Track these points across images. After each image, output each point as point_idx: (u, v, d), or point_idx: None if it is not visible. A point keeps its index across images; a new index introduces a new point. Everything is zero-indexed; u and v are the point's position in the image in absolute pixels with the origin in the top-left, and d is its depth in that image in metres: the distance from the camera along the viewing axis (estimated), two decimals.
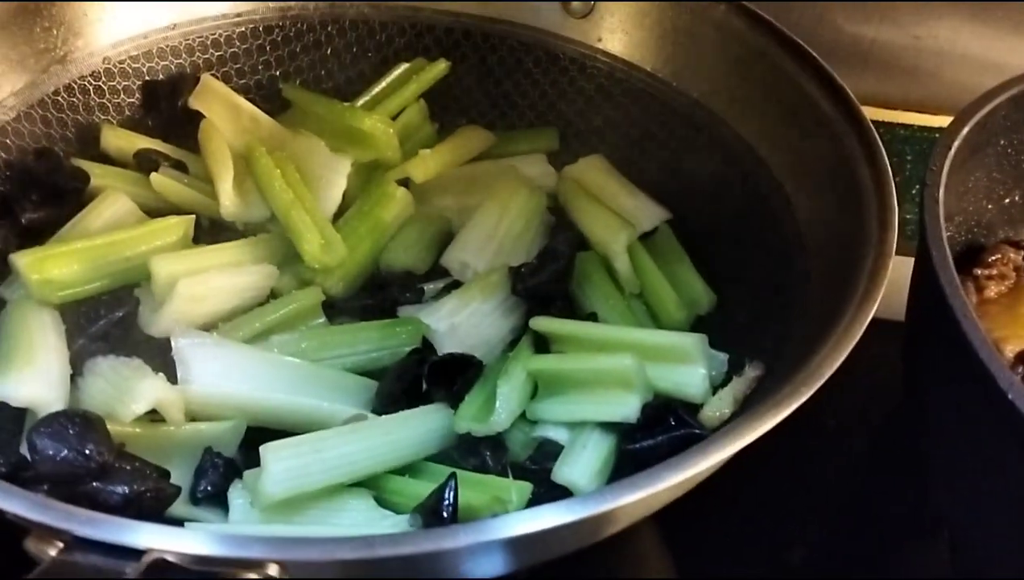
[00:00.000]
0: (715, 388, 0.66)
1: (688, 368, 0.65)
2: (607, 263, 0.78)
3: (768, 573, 0.69)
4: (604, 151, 0.87)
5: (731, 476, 0.57)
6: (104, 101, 0.84)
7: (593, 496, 0.47)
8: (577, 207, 0.83)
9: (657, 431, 0.63)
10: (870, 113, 0.73)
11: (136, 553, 0.43)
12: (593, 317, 0.73)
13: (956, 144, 0.67)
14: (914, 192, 0.90)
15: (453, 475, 0.57)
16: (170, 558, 0.43)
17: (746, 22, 0.80)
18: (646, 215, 0.81)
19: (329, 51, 0.91)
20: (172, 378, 0.64)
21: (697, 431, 0.62)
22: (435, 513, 0.56)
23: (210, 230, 0.79)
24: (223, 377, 0.65)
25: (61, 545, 0.42)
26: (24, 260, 0.68)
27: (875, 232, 0.63)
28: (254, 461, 0.62)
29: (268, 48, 0.89)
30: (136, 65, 0.85)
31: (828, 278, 0.67)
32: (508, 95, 0.92)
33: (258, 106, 0.85)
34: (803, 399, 0.52)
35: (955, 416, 0.61)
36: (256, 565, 0.44)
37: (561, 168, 0.87)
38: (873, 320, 0.58)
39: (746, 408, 0.63)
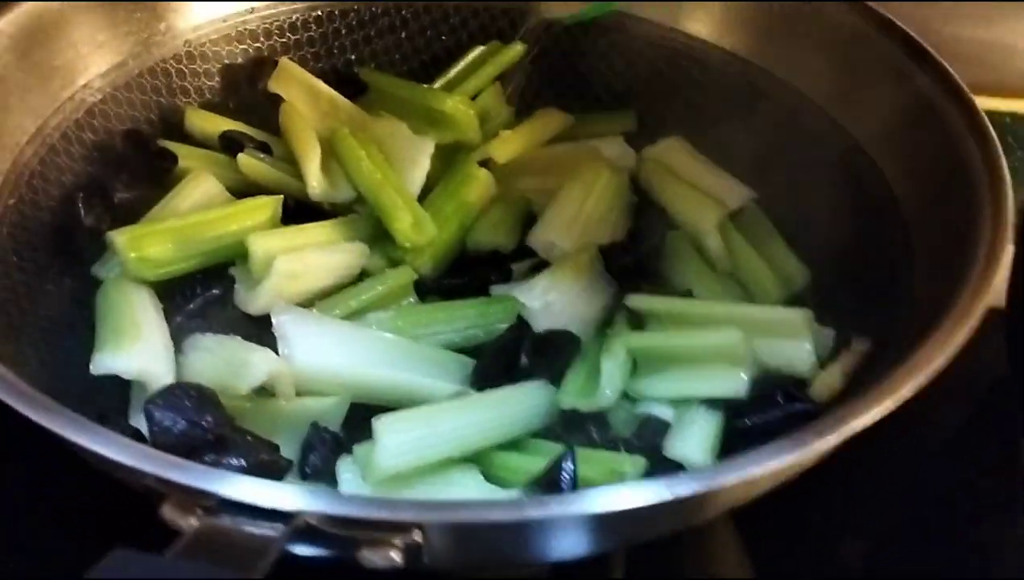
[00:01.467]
0: (822, 363, 0.65)
1: (795, 342, 0.64)
2: (697, 242, 0.77)
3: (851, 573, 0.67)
4: (682, 132, 0.86)
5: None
6: (186, 84, 0.84)
7: (735, 461, 0.46)
8: (662, 188, 0.82)
9: (767, 407, 0.62)
10: None
11: (284, 516, 0.43)
12: (688, 295, 0.72)
13: None
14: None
15: (571, 448, 0.57)
16: (315, 522, 0.43)
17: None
18: (733, 194, 0.80)
19: (404, 35, 0.91)
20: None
21: (809, 407, 0.61)
22: (555, 484, 0.55)
23: (295, 211, 0.78)
24: (325, 353, 0.64)
25: (201, 512, 0.42)
26: (122, 238, 0.68)
27: (988, 215, 0.62)
28: (357, 437, 0.62)
29: (344, 32, 0.89)
30: (216, 48, 0.85)
31: (933, 260, 0.66)
32: (584, 77, 0.91)
33: (335, 89, 0.85)
34: (923, 378, 0.51)
35: None
36: (404, 529, 0.43)
37: (639, 149, 0.86)
38: None
39: (855, 385, 0.63)
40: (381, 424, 0.58)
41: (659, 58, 0.89)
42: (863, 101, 0.78)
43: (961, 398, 0.72)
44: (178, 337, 0.67)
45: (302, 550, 0.45)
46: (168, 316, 0.68)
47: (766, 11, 0.84)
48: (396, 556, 0.44)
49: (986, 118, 0.69)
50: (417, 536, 0.44)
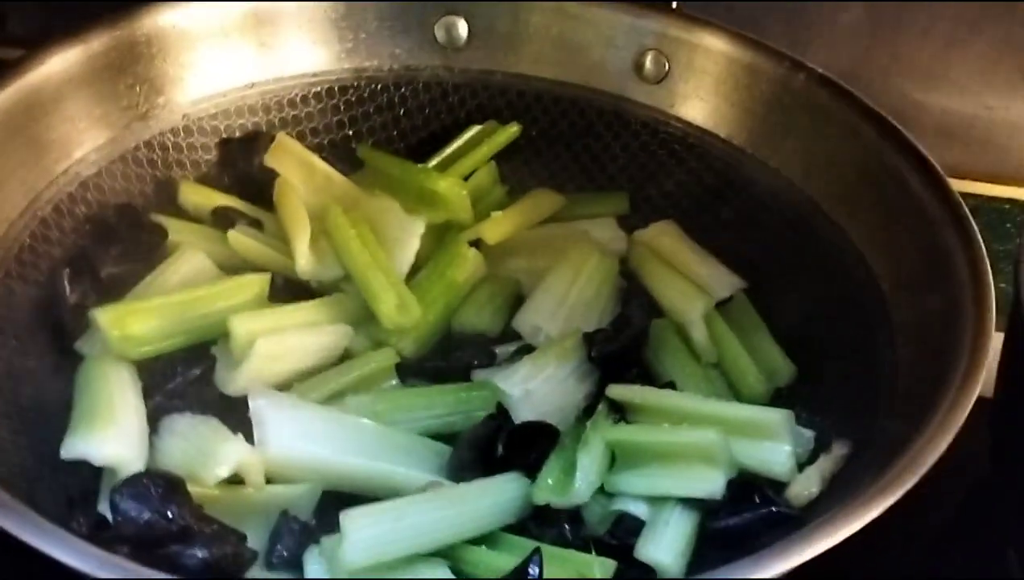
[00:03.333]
0: (800, 466, 0.64)
1: (774, 444, 0.63)
2: (682, 331, 0.77)
3: None
4: (675, 217, 0.87)
5: None
6: (182, 157, 0.85)
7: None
8: (650, 273, 0.82)
9: (742, 509, 0.61)
10: None
11: None
12: (670, 386, 0.72)
13: None
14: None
15: (538, 550, 0.56)
16: None
17: (826, 91, 0.80)
18: (721, 284, 0.80)
19: (402, 112, 0.92)
20: (247, 438, 0.64)
21: (785, 510, 0.60)
22: None
23: (284, 288, 0.79)
24: (300, 439, 0.64)
25: None
26: (105, 316, 0.68)
27: (970, 309, 0.61)
28: (328, 524, 0.61)
29: (342, 108, 0.90)
30: (214, 122, 0.86)
31: (918, 354, 0.65)
32: (578, 158, 0.92)
33: (332, 165, 0.86)
34: (910, 484, 0.50)
35: None
36: None
37: (631, 232, 0.86)
38: None
39: (834, 488, 0.62)
40: (349, 519, 0.58)
41: (654, 142, 0.89)
42: (852, 195, 0.78)
43: (942, 499, 0.70)
44: (155, 417, 0.67)
45: None
46: (147, 394, 0.68)
47: (760, 102, 0.84)
48: None
49: (966, 210, 0.68)
50: None
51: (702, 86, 0.87)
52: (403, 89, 0.91)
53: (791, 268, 0.80)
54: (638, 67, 0.89)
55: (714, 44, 0.86)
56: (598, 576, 0.57)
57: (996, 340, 0.63)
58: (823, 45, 0.99)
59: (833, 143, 0.80)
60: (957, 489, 0.72)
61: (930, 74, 1.01)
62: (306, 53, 0.88)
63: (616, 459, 0.66)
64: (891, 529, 0.65)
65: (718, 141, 0.87)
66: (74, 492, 0.59)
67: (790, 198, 0.82)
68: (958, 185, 0.74)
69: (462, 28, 0.90)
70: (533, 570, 0.55)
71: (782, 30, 0.99)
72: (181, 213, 0.82)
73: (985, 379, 0.64)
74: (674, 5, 0.90)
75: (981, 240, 0.66)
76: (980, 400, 0.67)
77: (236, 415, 0.66)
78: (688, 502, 0.63)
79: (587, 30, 0.89)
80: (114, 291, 0.74)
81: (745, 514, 0.61)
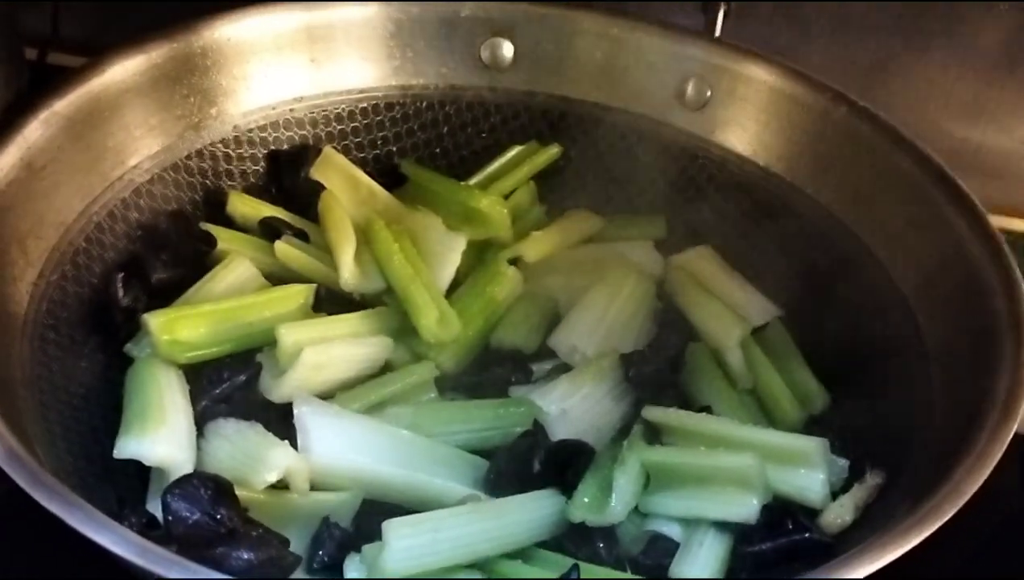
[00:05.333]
0: (834, 494, 0.65)
1: (809, 472, 0.64)
2: (718, 356, 0.78)
3: None
4: (712, 242, 0.88)
5: None
6: (231, 168, 0.87)
7: None
8: (686, 297, 0.83)
9: (776, 535, 0.62)
10: None
11: None
12: (706, 410, 0.73)
13: None
14: None
15: (576, 567, 0.57)
16: None
17: (866, 123, 0.81)
18: (757, 310, 0.81)
19: (446, 130, 0.93)
20: (291, 444, 0.66)
21: (818, 538, 0.61)
22: None
23: (327, 298, 0.80)
24: (342, 447, 0.66)
25: None
26: (155, 321, 0.70)
27: (1007, 344, 0.62)
28: (366, 532, 0.63)
29: (388, 124, 0.92)
30: (263, 134, 0.88)
31: (953, 387, 0.66)
32: (617, 181, 0.93)
33: (375, 180, 0.87)
34: (945, 518, 0.51)
35: None
36: None
37: (668, 256, 0.87)
38: None
39: (867, 517, 0.62)
40: (391, 528, 0.59)
41: (693, 167, 0.90)
42: (889, 226, 0.79)
43: (972, 532, 0.71)
44: (201, 421, 0.68)
45: None
46: (194, 399, 0.70)
47: (800, 132, 0.85)
48: None
49: (1004, 244, 0.69)
50: None
51: (743, 114, 0.89)
52: (448, 108, 0.93)
53: (826, 296, 0.81)
54: (680, 93, 0.90)
55: (756, 73, 0.87)
56: None
57: None
58: (860, 79, 1.00)
59: (872, 175, 0.81)
60: (988, 522, 0.72)
61: (968, 110, 1.02)
62: (355, 70, 0.90)
63: (651, 480, 0.67)
64: (921, 560, 0.67)
65: (757, 169, 0.88)
66: (123, 492, 0.61)
67: (827, 227, 0.83)
68: (996, 221, 0.75)
69: (507, 50, 0.92)
70: None
71: (820, 61, 1.00)
72: (229, 222, 0.84)
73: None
74: (717, 33, 0.91)
75: (1019, 275, 0.67)
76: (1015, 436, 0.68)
77: (278, 422, 0.68)
78: (722, 525, 0.64)
79: (630, 55, 0.90)
80: (163, 296, 0.76)
81: (779, 539, 0.62)
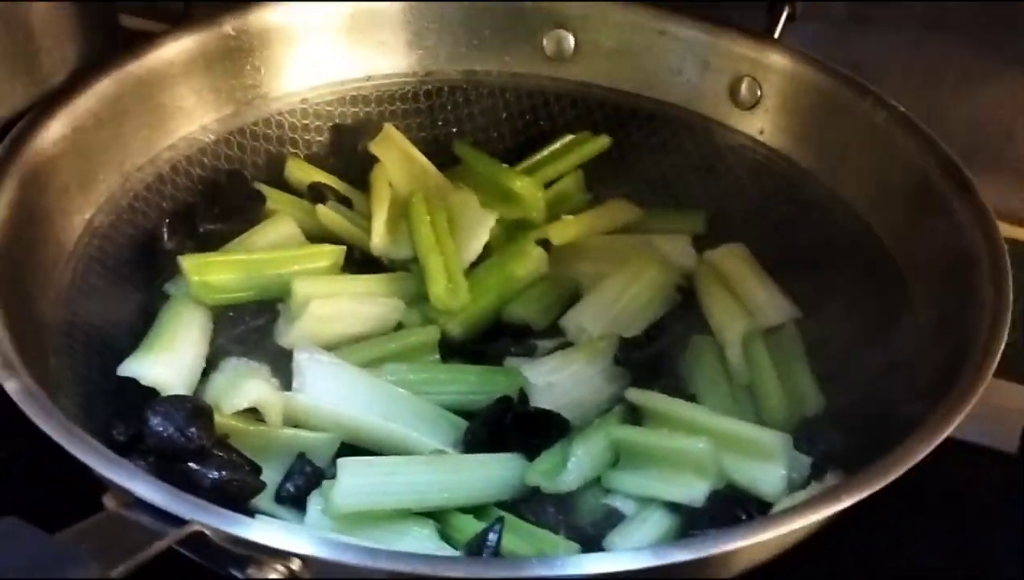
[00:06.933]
0: (791, 490, 0.64)
1: (768, 465, 0.64)
2: (721, 351, 0.78)
3: None
4: (749, 241, 0.87)
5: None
6: (295, 136, 0.93)
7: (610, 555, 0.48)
8: (706, 291, 0.83)
9: (723, 522, 0.62)
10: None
11: (181, 522, 0.48)
12: (692, 400, 0.73)
13: None
14: None
15: (501, 518, 0.59)
16: (208, 533, 0.48)
17: (910, 136, 0.79)
18: (774, 310, 0.80)
19: (504, 116, 0.97)
20: (288, 387, 0.71)
21: None
22: (477, 550, 0.58)
23: (361, 263, 0.85)
24: (329, 393, 0.70)
25: (116, 503, 0.48)
26: (189, 262, 0.77)
27: (979, 356, 0.60)
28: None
29: (449, 107, 0.96)
30: (329, 108, 0.94)
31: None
32: (665, 175, 0.94)
33: (431, 160, 0.92)
34: (863, 495, 0.51)
35: None
36: (281, 556, 0.48)
37: (703, 251, 0.88)
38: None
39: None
40: (344, 465, 0.63)
41: (739, 166, 0.90)
42: (917, 243, 0.77)
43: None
44: (216, 357, 0.74)
45: (198, 558, 0.50)
46: (215, 337, 0.76)
47: (845, 137, 0.84)
48: (278, 578, 0.48)
49: None
50: (295, 565, 0.48)
51: (792, 116, 0.88)
52: (507, 95, 0.96)
53: (851, 305, 0.79)
54: (732, 92, 0.90)
55: (808, 76, 0.87)
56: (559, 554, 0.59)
57: (1018, 398, 0.61)
58: (946, 92, 0.97)
59: (910, 185, 0.79)
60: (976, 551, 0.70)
61: (1008, 127, 0.97)
62: (421, 53, 0.95)
63: (620, 458, 0.68)
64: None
65: (800, 171, 0.87)
66: (123, 407, 0.68)
67: (860, 235, 0.82)
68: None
69: (569, 42, 0.94)
70: (492, 537, 0.58)
71: (900, 70, 0.97)
72: (286, 186, 0.91)
73: (1008, 435, 0.63)
74: (776, 34, 0.91)
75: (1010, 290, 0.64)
76: (1003, 456, 0.65)
77: (285, 366, 0.73)
78: (673, 507, 0.64)
79: (686, 52, 0.91)
80: (209, 244, 0.83)
81: (724, 527, 0.62)
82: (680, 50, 0.92)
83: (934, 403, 0.58)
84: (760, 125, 0.90)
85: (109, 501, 0.50)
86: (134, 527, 0.47)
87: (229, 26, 0.88)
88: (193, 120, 0.87)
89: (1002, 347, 0.60)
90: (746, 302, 0.81)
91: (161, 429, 0.62)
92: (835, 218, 0.83)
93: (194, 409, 0.63)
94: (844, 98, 0.84)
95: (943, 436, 0.55)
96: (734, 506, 0.63)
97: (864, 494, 0.54)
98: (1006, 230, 0.71)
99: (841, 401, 0.73)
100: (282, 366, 0.74)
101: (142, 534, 0.47)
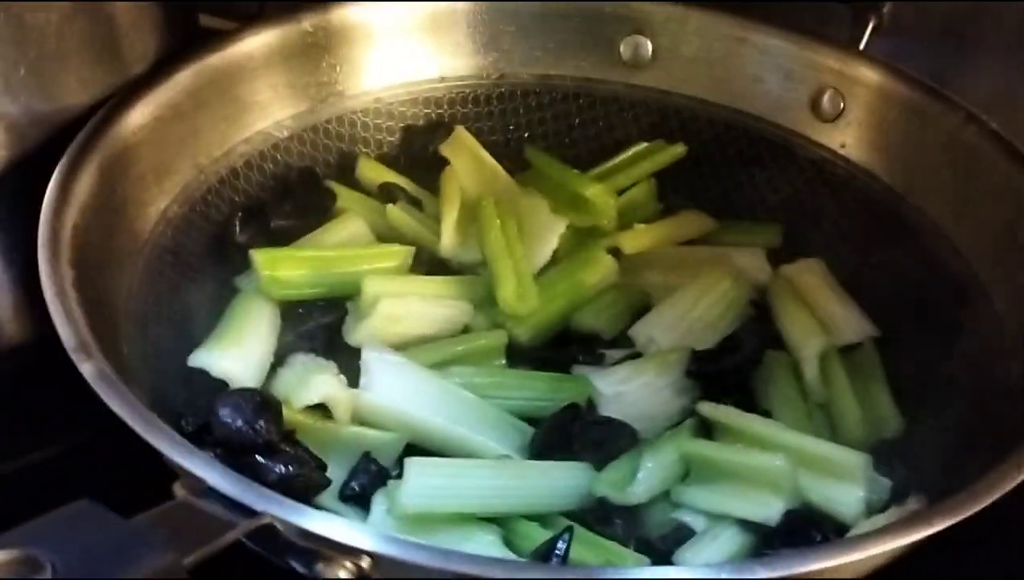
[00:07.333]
0: (871, 512, 0.62)
1: (846, 486, 0.62)
2: (797, 368, 0.75)
3: None
4: (827, 256, 0.85)
5: None
6: (367, 136, 0.93)
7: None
8: (782, 306, 0.81)
9: (799, 542, 0.60)
10: None
11: (252, 513, 0.48)
12: (765, 415, 0.71)
13: None
14: None
15: (570, 527, 0.58)
16: (279, 526, 0.48)
17: (990, 144, 0.76)
18: (851, 327, 0.78)
19: (577, 121, 0.96)
20: (355, 384, 0.70)
21: None
22: (544, 558, 0.57)
23: (429, 264, 0.84)
24: (396, 392, 0.69)
25: (188, 491, 0.47)
26: (261, 257, 0.77)
27: None
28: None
29: (521, 111, 0.95)
30: (402, 109, 0.93)
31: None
32: (740, 186, 0.92)
33: (501, 164, 0.91)
34: (951, 521, 0.49)
35: None
36: (351, 552, 0.47)
37: (778, 266, 0.86)
38: None
39: None
40: (412, 465, 0.62)
41: (819, 180, 0.88)
42: (1004, 259, 0.74)
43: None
44: (285, 353, 0.74)
45: (265, 551, 0.49)
46: (283, 332, 0.76)
47: (931, 152, 0.82)
48: (346, 576, 0.48)
49: None
50: (365, 563, 0.47)
51: (875, 129, 0.86)
52: (581, 100, 0.95)
53: (930, 324, 0.77)
54: (814, 104, 0.88)
55: (893, 89, 0.85)
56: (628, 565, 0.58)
57: None
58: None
59: (995, 201, 0.76)
60: None
61: None
62: (495, 56, 0.94)
63: (691, 473, 0.66)
64: None
65: (882, 186, 0.85)
66: (192, 399, 0.67)
67: (944, 254, 0.79)
68: None
69: (647, 48, 0.93)
70: (561, 545, 0.57)
71: (987, 92, 0.94)
72: (356, 185, 0.91)
73: None
74: (862, 46, 0.89)
75: None
76: None
77: (353, 364, 0.73)
78: (746, 525, 0.62)
79: (768, 61, 0.90)
80: (280, 240, 0.82)
81: (800, 547, 0.60)
82: (761, 59, 0.90)
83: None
84: (842, 139, 0.87)
85: (179, 490, 0.50)
86: (206, 516, 0.46)
87: (308, 22, 0.88)
88: (268, 115, 0.87)
89: None
90: (823, 319, 0.79)
91: (230, 421, 0.61)
92: (917, 236, 0.81)
93: (263, 402, 0.63)
94: (932, 113, 0.82)
95: None
96: (810, 527, 0.60)
97: (952, 521, 0.51)
98: None
99: (923, 424, 0.70)
100: (350, 364, 0.73)
101: (214, 523, 0.46)
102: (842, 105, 0.87)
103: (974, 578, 0.66)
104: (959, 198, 0.79)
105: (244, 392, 0.64)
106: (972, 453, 0.64)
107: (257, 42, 0.86)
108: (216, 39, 0.84)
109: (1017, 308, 0.72)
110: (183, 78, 0.80)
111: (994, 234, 0.76)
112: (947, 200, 0.80)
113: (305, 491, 0.63)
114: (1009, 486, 0.52)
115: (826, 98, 0.88)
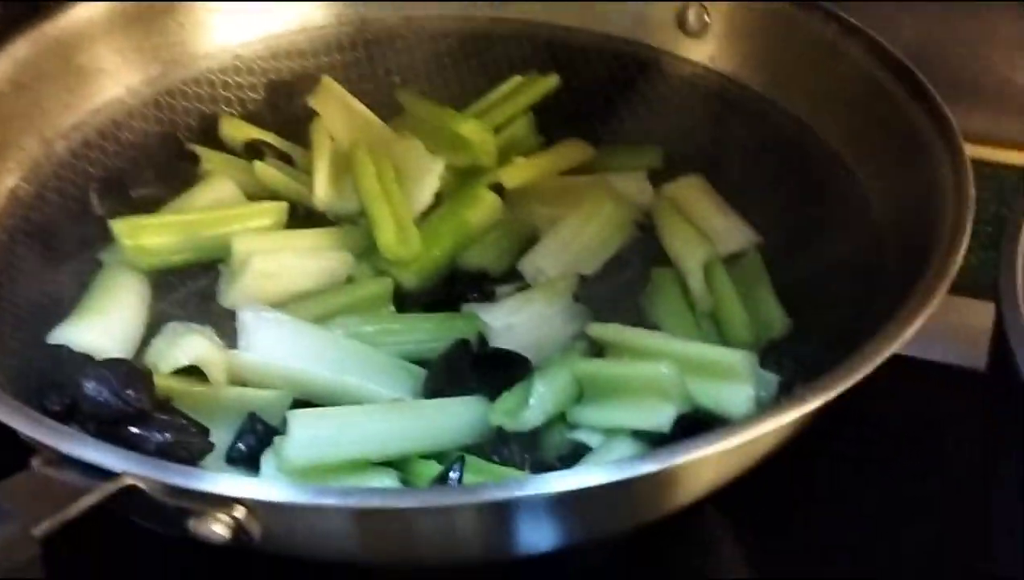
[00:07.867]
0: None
1: (734, 386, 0.61)
2: (683, 281, 0.75)
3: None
4: (706, 171, 0.85)
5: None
6: (229, 95, 0.89)
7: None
8: (664, 224, 0.81)
9: None
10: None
11: (110, 475, 0.45)
12: (657, 330, 0.70)
13: None
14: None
15: (461, 457, 0.57)
16: (142, 486, 0.45)
17: (855, 41, 0.76)
18: (733, 237, 0.78)
19: (448, 61, 0.93)
20: (233, 346, 0.67)
21: None
22: None
23: (307, 220, 0.82)
24: (277, 349, 0.67)
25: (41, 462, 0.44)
26: (121, 227, 0.73)
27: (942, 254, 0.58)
28: None
29: (388, 55, 0.93)
30: (263, 64, 0.90)
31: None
32: (617, 111, 0.91)
33: (374, 111, 0.88)
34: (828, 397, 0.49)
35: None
36: (223, 503, 0.45)
37: (661, 186, 0.85)
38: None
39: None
40: (295, 417, 0.60)
41: (693, 96, 0.88)
42: (877, 153, 0.74)
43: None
44: (159, 323, 0.71)
45: (135, 517, 0.47)
46: (154, 302, 0.73)
47: (798, 56, 0.81)
48: (222, 531, 0.45)
49: None
50: (239, 513, 0.45)
51: (742, 39, 0.85)
52: (450, 39, 0.93)
53: (811, 226, 0.77)
54: (680, 20, 0.88)
55: None
56: None
57: (986, 316, 0.59)
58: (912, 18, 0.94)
59: (862, 98, 0.76)
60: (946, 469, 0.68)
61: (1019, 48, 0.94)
62: (355, 1, 0.91)
63: (584, 393, 0.66)
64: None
65: (753, 95, 0.85)
66: (59, 379, 0.64)
67: (821, 156, 0.79)
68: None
69: None
70: (453, 475, 0.55)
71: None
72: (221, 147, 0.87)
73: (976, 354, 0.61)
74: None
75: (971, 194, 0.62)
76: (973, 374, 0.64)
77: (231, 327, 0.70)
78: (639, 436, 0.62)
79: None
80: (144, 210, 0.79)
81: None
82: None
83: (896, 309, 0.55)
84: (710, 52, 0.87)
85: (36, 462, 0.47)
86: (59, 484, 0.43)
87: None
88: (118, 82, 0.83)
89: (964, 244, 0.58)
90: (705, 231, 0.79)
91: (96, 394, 0.58)
92: (790, 139, 0.81)
93: (130, 371, 0.60)
94: (793, 15, 0.81)
95: (905, 338, 0.53)
96: (703, 431, 0.59)
97: (826, 398, 0.51)
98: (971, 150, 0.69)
99: (808, 321, 0.71)
100: (228, 328, 0.70)
101: (68, 490, 0.43)
102: (707, 18, 0.86)
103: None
104: (828, 96, 0.79)
105: (109, 363, 0.61)
106: (856, 340, 0.65)
107: (96, 7, 0.81)
108: (51, 6, 0.79)
109: (887, 200, 0.72)
110: (16, 50, 0.76)
111: (864, 126, 0.76)
112: (817, 100, 0.80)
113: (188, 458, 0.60)
114: (880, 359, 0.52)
115: (691, 13, 0.87)
